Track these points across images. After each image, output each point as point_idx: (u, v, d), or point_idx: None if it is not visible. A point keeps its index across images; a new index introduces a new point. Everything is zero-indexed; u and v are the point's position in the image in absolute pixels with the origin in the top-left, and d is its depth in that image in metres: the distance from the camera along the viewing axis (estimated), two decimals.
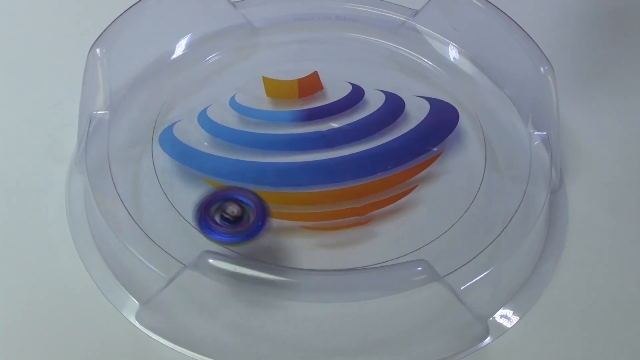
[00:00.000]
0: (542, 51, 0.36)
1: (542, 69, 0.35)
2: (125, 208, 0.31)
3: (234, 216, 0.30)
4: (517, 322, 0.31)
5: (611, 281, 0.33)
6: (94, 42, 0.35)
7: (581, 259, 0.33)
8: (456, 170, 0.36)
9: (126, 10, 0.37)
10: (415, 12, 0.42)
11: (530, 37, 0.36)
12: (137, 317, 0.30)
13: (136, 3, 0.37)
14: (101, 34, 0.35)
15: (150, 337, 0.30)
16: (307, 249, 0.32)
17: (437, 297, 0.28)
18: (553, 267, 0.33)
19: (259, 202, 0.31)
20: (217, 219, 0.30)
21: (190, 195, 0.34)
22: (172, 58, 0.40)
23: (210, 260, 0.26)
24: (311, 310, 0.29)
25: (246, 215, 0.30)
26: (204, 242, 0.31)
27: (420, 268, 0.27)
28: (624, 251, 0.34)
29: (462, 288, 0.28)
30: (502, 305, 0.31)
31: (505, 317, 0.31)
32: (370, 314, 0.29)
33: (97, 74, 0.35)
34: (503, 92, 0.39)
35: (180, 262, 0.29)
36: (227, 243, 0.30)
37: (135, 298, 0.31)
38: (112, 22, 0.36)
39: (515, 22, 0.37)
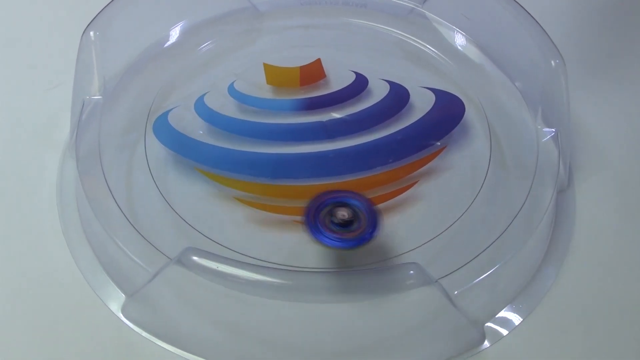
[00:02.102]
0: (554, 44, 0.34)
1: (553, 62, 0.33)
2: (113, 198, 0.30)
3: (344, 220, 0.29)
4: (515, 328, 0.30)
5: (616, 288, 0.31)
6: (88, 25, 0.34)
7: (586, 263, 0.32)
8: (459, 166, 0.34)
9: None
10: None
11: (543, 29, 0.35)
12: (123, 310, 0.29)
13: None
14: (95, 16, 0.34)
15: (135, 331, 0.29)
16: (300, 244, 0.31)
17: (430, 301, 0.27)
18: (556, 271, 0.31)
19: (369, 206, 0.30)
20: (327, 222, 0.30)
21: (183, 186, 0.33)
22: (170, 43, 0.39)
23: (193, 257, 0.25)
24: (302, 310, 0.28)
25: (357, 219, 0.30)
26: (195, 236, 0.30)
27: (412, 272, 0.25)
28: (632, 256, 0.32)
29: (456, 292, 0.27)
30: (501, 309, 0.30)
31: (503, 322, 0.30)
32: (362, 316, 0.28)
33: (90, 57, 0.34)
34: (513, 84, 0.37)
35: (166, 256, 0.28)
36: (337, 248, 0.29)
37: (122, 291, 0.30)
38: (107, 4, 0.35)
39: (528, 13, 0.35)
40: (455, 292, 0.27)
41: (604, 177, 0.35)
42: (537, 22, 0.35)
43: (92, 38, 0.34)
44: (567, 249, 0.32)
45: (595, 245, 0.32)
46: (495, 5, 0.37)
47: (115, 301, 0.30)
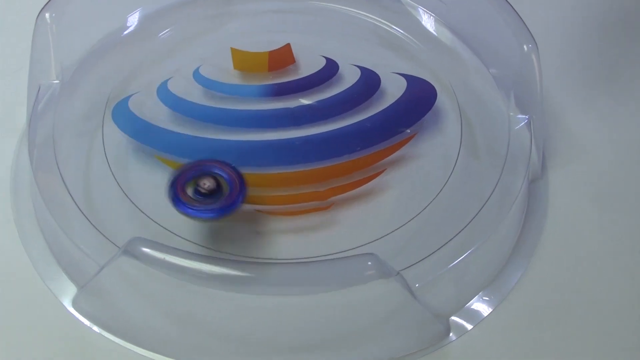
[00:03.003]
0: (527, 28, 0.33)
1: (525, 47, 0.32)
2: (66, 187, 0.29)
3: (208, 190, 0.28)
4: (482, 321, 0.29)
5: (587, 280, 0.30)
6: (44, 7, 0.32)
7: (557, 254, 0.31)
8: (429, 154, 0.33)
9: None
10: None
11: (517, 13, 0.33)
12: (74, 303, 0.28)
13: None
14: None
15: (85, 324, 0.28)
16: (261, 234, 0.30)
17: (391, 294, 0.26)
18: (526, 262, 0.30)
19: (236, 175, 0.29)
20: (191, 192, 0.29)
21: (143, 175, 0.32)
22: (134, 26, 0.37)
23: (140, 248, 0.24)
24: (257, 302, 0.27)
25: (222, 189, 0.29)
26: (151, 225, 0.29)
27: (369, 263, 0.24)
28: (604, 248, 0.31)
29: (417, 285, 0.26)
30: (467, 302, 0.29)
31: (470, 315, 0.29)
32: (320, 309, 0.27)
33: (47, 40, 0.33)
34: (487, 70, 0.36)
35: (118, 246, 0.27)
36: (200, 218, 0.28)
37: (74, 283, 0.29)
38: None
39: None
40: (417, 285, 0.26)
41: (578, 166, 0.34)
42: (511, 6, 0.34)
43: (48, 20, 0.32)
44: (538, 240, 0.31)
45: (567, 236, 0.31)
46: None
47: (67, 294, 0.29)
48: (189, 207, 0.28)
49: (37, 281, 0.29)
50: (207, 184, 0.29)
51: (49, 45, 0.33)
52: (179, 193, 0.29)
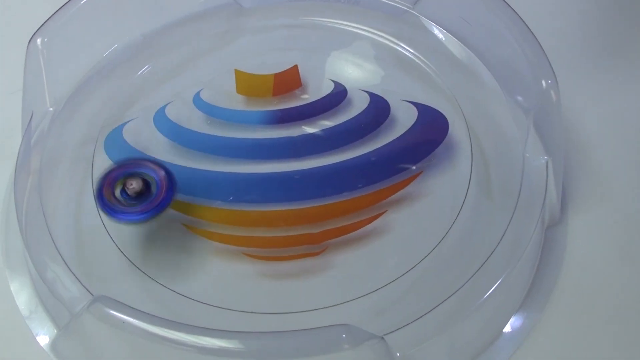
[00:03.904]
0: (548, 60, 0.30)
1: (544, 82, 0.29)
2: (46, 224, 0.28)
3: (135, 192, 0.28)
4: None
5: (602, 348, 0.27)
6: (35, 32, 0.31)
7: (569, 314, 0.28)
8: (435, 193, 0.31)
9: None
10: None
11: (538, 43, 0.30)
12: (51, 347, 0.27)
13: None
14: (45, 22, 0.32)
15: None
16: (244, 281, 0.28)
17: None
18: (529, 327, 0.28)
19: (166, 175, 0.28)
20: (118, 194, 0.28)
21: None
22: (134, 46, 0.36)
23: (103, 308, 0.23)
24: None
25: (150, 190, 0.28)
26: (131, 269, 0.28)
27: (344, 335, 0.22)
28: (626, 308, 0.28)
29: (398, 354, 0.24)
30: None
31: None
32: None
33: (39, 66, 0.32)
34: (508, 100, 0.33)
35: (91, 294, 0.26)
36: (127, 222, 0.28)
37: (54, 325, 0.28)
38: (60, 7, 0.32)
39: (525, 25, 0.31)
40: (398, 354, 0.24)
41: (602, 212, 0.31)
42: (533, 35, 0.31)
43: (40, 46, 0.31)
44: (548, 299, 0.28)
45: (583, 294, 0.28)
46: (493, 15, 0.33)
47: (46, 335, 0.28)
48: (114, 211, 0.27)
49: (19, 319, 0.28)
50: (133, 185, 0.28)
51: (42, 72, 0.32)
52: (104, 195, 0.28)
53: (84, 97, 0.34)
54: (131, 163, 0.29)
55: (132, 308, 0.23)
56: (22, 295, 0.29)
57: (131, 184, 0.28)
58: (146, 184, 0.28)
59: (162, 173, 0.28)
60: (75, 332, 0.26)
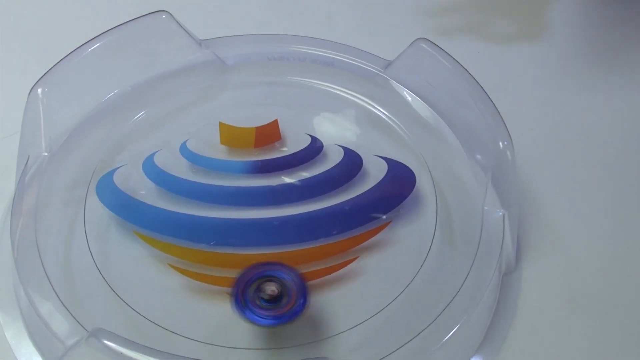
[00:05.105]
0: (504, 124, 0.33)
1: (501, 143, 0.33)
2: (41, 262, 0.30)
3: (273, 295, 0.29)
4: None
5: None
6: (37, 81, 0.34)
7: (523, 358, 0.31)
8: (403, 242, 0.34)
9: (79, 47, 0.36)
10: (388, 64, 0.40)
11: (494, 106, 0.34)
12: None
13: (94, 38, 0.36)
14: (45, 73, 0.34)
15: None
16: (227, 319, 0.30)
17: None
18: None
19: (297, 278, 0.30)
20: (255, 298, 0.29)
21: (120, 250, 0.33)
22: (125, 97, 0.38)
23: (100, 341, 0.25)
24: None
25: (287, 293, 0.29)
26: (121, 306, 0.30)
27: None
28: (576, 352, 0.31)
29: None
30: None
31: None
32: None
33: (37, 114, 0.34)
34: (469, 158, 0.36)
35: (85, 329, 0.27)
36: (267, 326, 0.29)
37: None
38: (60, 60, 0.35)
39: (482, 89, 0.35)
40: None
41: (553, 262, 0.34)
42: (490, 99, 0.34)
43: (40, 95, 0.33)
44: (503, 342, 0.31)
45: (535, 339, 0.31)
46: (456, 78, 0.36)
47: None
48: (251, 313, 0.29)
49: (10, 355, 0.30)
50: (275, 290, 0.29)
51: (40, 119, 0.34)
52: (239, 297, 0.29)
53: (77, 142, 0.36)
54: (266, 266, 0.30)
55: (130, 341, 0.25)
56: (12, 332, 0.30)
57: (272, 290, 0.29)
58: (282, 289, 0.29)
59: (294, 276, 0.30)
60: None
